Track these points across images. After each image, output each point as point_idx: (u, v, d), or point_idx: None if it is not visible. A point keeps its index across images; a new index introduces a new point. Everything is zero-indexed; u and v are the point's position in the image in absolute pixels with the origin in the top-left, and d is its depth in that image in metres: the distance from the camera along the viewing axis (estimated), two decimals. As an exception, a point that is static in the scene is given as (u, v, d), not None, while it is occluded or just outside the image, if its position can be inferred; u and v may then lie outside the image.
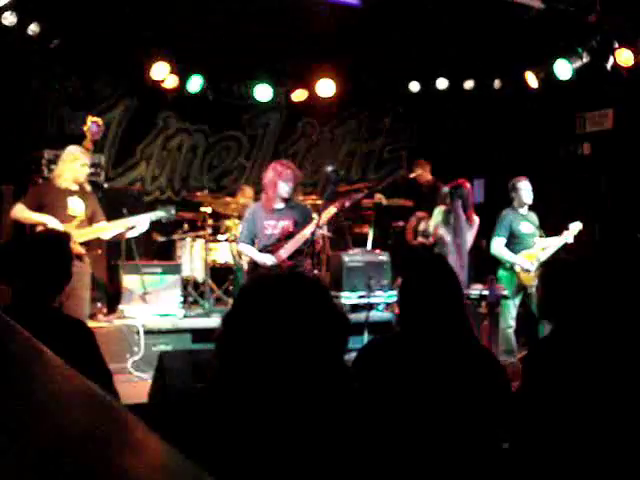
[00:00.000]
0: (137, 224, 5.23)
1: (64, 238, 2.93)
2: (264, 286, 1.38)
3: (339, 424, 1.29)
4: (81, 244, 4.97)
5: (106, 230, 5.18)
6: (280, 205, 5.26)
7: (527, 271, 5.95)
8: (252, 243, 5.30)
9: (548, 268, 2.86)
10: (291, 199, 5.31)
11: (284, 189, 5.18)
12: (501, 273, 6.08)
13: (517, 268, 5.99)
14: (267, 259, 5.16)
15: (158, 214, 5.41)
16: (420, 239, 6.35)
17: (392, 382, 2.21)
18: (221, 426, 1.29)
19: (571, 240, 6.12)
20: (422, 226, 6.40)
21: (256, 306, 1.33)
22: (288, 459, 1.21)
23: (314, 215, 5.35)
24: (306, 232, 5.15)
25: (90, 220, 5.15)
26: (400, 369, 2.23)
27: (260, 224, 5.26)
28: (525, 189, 6.16)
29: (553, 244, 6.10)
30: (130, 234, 5.37)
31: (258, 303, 1.33)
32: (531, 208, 6.28)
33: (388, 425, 1.81)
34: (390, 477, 1.37)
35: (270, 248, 5.21)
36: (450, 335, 2.29)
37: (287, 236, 5.22)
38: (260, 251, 5.25)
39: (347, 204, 5.44)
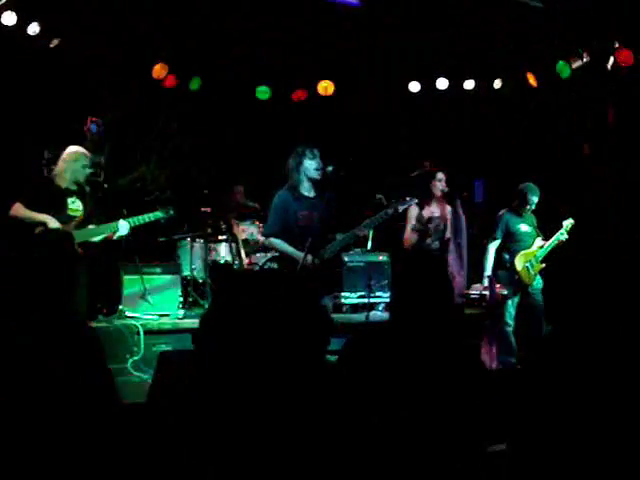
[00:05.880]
0: (119, 228, 5.19)
1: (67, 238, 2.93)
2: (243, 286, 1.35)
3: (318, 421, 1.29)
4: (78, 244, 4.96)
5: (95, 233, 5.15)
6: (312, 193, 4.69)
7: (527, 269, 5.96)
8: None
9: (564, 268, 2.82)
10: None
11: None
12: (500, 273, 6.08)
13: (518, 267, 5.97)
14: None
15: (157, 214, 5.41)
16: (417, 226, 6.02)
17: (377, 376, 2.20)
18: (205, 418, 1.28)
19: (565, 236, 6.11)
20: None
21: (234, 306, 1.31)
22: (268, 453, 1.21)
23: None
24: None
25: (86, 221, 5.14)
26: (386, 364, 2.22)
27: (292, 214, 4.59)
28: (537, 196, 6.12)
29: (548, 242, 6.11)
30: (116, 236, 5.34)
31: (237, 303, 1.31)
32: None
33: (369, 419, 1.81)
34: (370, 471, 1.37)
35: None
36: (437, 332, 2.29)
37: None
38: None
39: None
